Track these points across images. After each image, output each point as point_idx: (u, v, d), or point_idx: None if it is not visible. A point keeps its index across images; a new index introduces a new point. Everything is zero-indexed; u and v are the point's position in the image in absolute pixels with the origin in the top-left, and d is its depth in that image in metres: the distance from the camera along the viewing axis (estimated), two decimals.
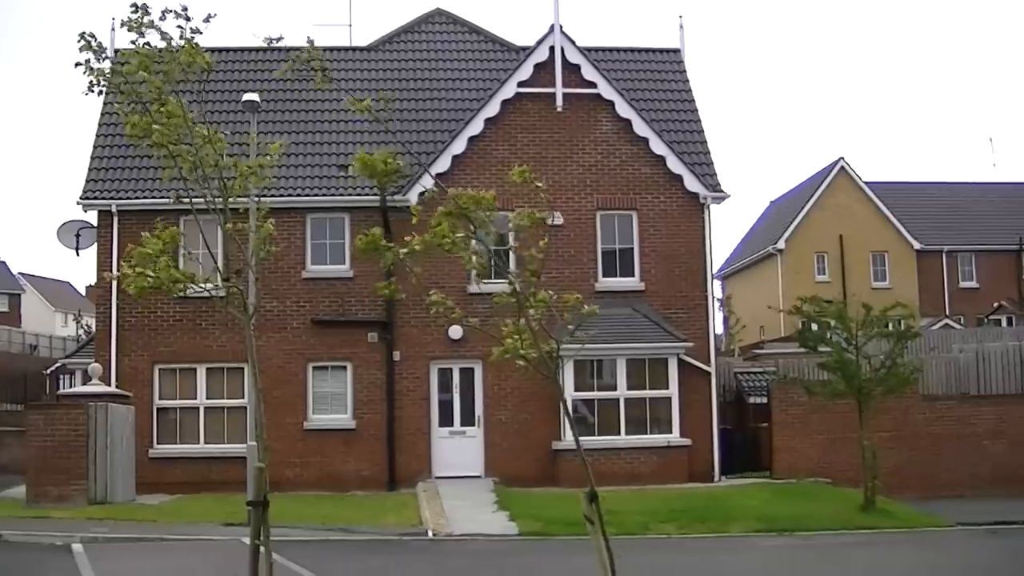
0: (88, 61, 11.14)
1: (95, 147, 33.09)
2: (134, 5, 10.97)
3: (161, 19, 11.09)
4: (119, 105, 11.36)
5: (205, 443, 31.02)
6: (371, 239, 10.05)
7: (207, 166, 11.04)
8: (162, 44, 11.07)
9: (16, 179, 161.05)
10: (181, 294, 11.05)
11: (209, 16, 11.23)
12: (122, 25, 11.00)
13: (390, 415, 31.34)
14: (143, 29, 11.03)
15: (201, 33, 11.15)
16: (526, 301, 9.52)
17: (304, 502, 26.58)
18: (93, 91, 11.26)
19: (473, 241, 10.07)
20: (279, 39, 11.06)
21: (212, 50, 36.12)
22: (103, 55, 11.19)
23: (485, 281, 10.58)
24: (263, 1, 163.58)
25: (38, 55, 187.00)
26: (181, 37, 11.11)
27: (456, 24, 38.78)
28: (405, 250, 10.10)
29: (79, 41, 11.06)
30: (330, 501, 28.01)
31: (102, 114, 32.99)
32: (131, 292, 10.86)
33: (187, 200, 11.19)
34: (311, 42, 10.63)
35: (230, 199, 11.16)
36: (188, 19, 11.15)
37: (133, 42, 11.04)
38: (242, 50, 36.54)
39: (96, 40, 11.12)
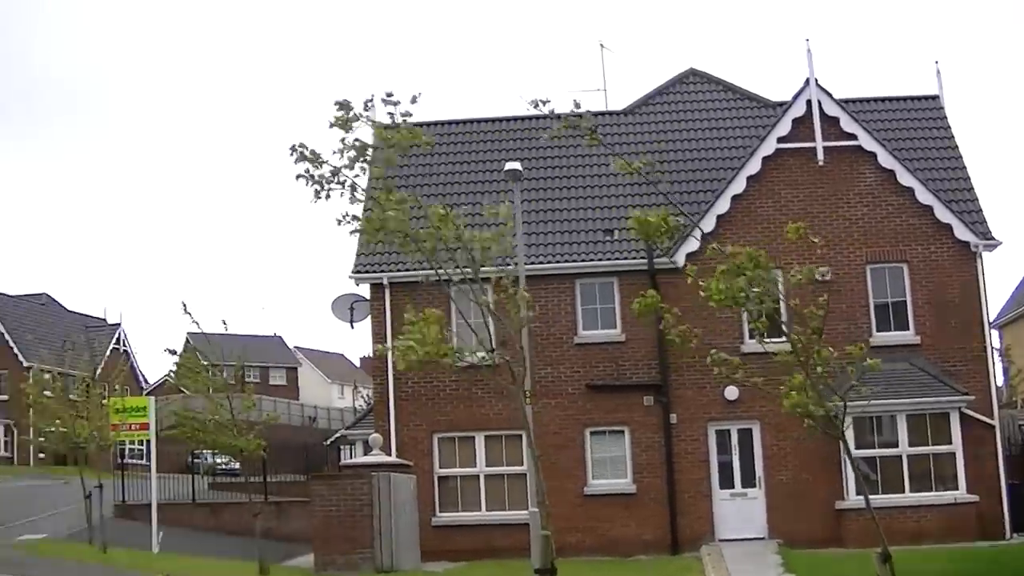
0: (308, 171, 11.52)
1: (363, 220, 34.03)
2: (338, 103, 11.26)
3: (365, 110, 11.36)
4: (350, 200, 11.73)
5: (487, 510, 31.60)
6: (648, 302, 10.18)
7: (449, 243, 11.36)
8: (371, 134, 11.38)
9: (289, 256, 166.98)
10: (457, 363, 11.35)
11: (415, 97, 11.47)
12: (330, 127, 11.33)
13: (670, 478, 31.30)
14: (350, 125, 11.34)
15: (411, 115, 11.42)
16: (808, 359, 9.47)
17: (589, 567, 26.76)
18: (320, 197, 11.65)
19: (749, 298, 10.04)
20: (546, 102, 11.24)
21: (472, 121, 37.38)
22: (319, 161, 11.53)
23: (766, 340, 10.52)
24: (516, 74, 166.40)
25: (305, 131, 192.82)
26: (393, 122, 11.41)
27: (710, 83, 38.77)
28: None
29: (291, 153, 11.44)
30: (613, 566, 28.13)
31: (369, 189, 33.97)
32: (400, 368, 11.25)
33: (435, 278, 11.54)
34: (577, 105, 10.82)
35: (480, 269, 11.46)
36: (396, 103, 11.43)
37: (343, 140, 11.36)
38: (501, 120, 37.61)
39: (308, 149, 11.45)
